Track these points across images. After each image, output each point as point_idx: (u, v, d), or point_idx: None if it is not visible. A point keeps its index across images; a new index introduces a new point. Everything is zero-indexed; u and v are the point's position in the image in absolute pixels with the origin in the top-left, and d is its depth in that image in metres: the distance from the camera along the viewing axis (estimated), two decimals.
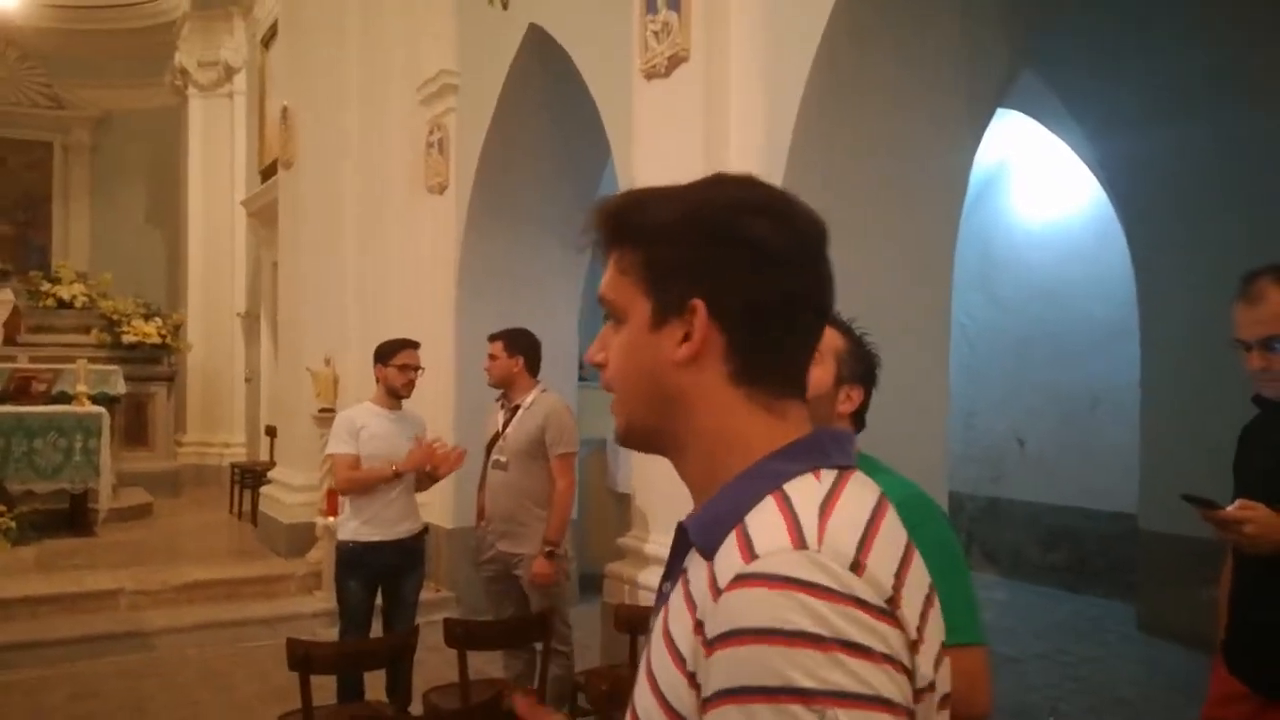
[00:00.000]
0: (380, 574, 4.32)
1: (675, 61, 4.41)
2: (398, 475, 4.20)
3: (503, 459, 4.26)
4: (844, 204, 4.05)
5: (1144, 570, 6.71)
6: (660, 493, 4.48)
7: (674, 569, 0.91)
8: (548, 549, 4.12)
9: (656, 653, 0.85)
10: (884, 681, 0.72)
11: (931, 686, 0.80)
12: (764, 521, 0.80)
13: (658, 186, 0.94)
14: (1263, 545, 2.05)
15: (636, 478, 4.94)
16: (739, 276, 0.88)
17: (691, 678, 0.78)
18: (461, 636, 3.49)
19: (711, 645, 0.75)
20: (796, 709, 0.70)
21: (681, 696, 0.79)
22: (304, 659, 3.14)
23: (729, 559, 0.79)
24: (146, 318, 11.24)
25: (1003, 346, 8.35)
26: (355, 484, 4.28)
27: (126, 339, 10.98)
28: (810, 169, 3.98)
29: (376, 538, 4.25)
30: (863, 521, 0.81)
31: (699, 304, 0.88)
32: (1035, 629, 6.71)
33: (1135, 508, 6.82)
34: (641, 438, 0.96)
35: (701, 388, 0.89)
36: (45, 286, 11.26)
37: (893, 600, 0.76)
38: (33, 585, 6.34)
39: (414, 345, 4.44)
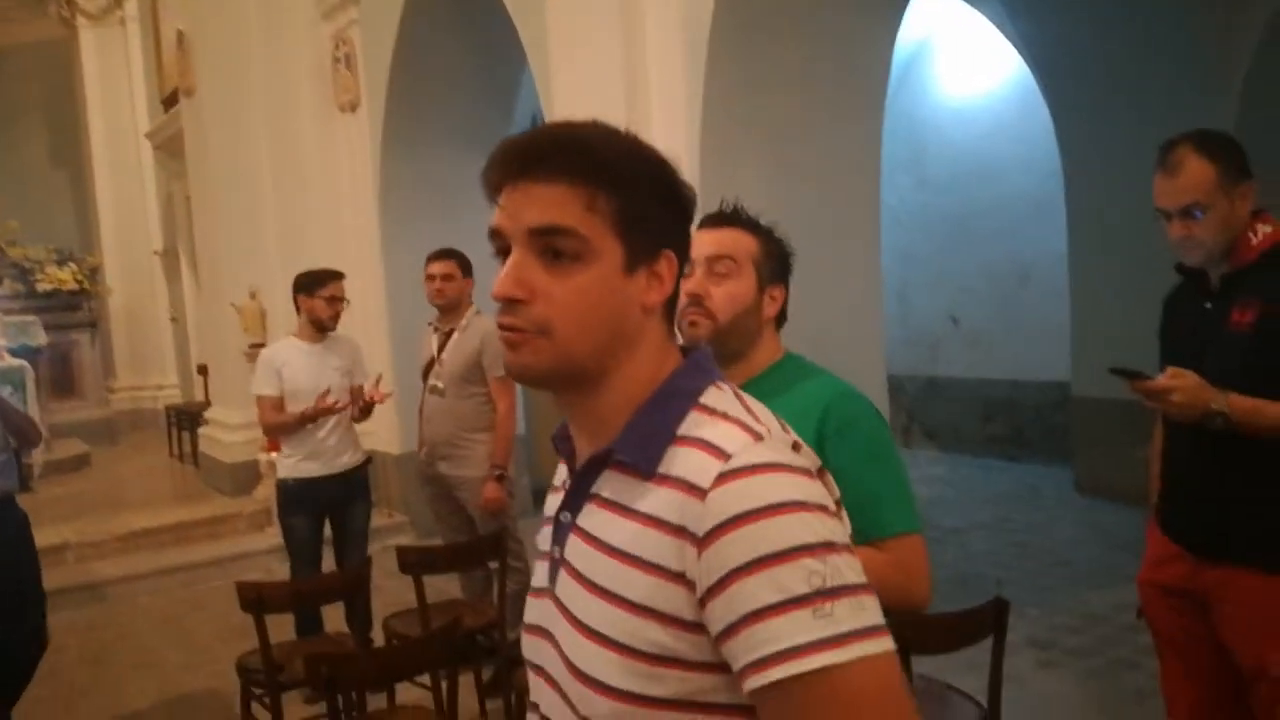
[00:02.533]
0: (324, 508, 4.27)
1: None
2: (306, 419, 4.10)
3: (440, 384, 4.18)
4: (766, 99, 3.99)
5: (1078, 434, 6.91)
6: None
7: (577, 499, 0.98)
8: (496, 472, 4.09)
9: (609, 573, 0.91)
10: (841, 530, 0.86)
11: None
12: (713, 429, 0.90)
13: (598, 125, 0.95)
14: (1190, 413, 2.09)
15: None
16: (682, 230, 1.00)
17: (679, 577, 0.85)
18: (416, 563, 3.49)
19: (709, 537, 0.83)
20: (808, 561, 0.80)
21: (668, 598, 0.86)
22: (257, 600, 3.10)
23: (698, 466, 0.87)
24: (60, 263, 10.87)
25: (933, 226, 8.39)
26: (276, 429, 4.26)
27: (41, 287, 10.64)
28: (730, 65, 3.89)
29: (316, 473, 4.19)
30: (770, 412, 0.95)
31: (671, 254, 0.97)
32: (977, 500, 6.90)
33: (1068, 376, 6.98)
34: (568, 375, 0.95)
35: (651, 329, 0.97)
36: None
37: (821, 469, 0.91)
38: None
39: (340, 276, 4.29)
